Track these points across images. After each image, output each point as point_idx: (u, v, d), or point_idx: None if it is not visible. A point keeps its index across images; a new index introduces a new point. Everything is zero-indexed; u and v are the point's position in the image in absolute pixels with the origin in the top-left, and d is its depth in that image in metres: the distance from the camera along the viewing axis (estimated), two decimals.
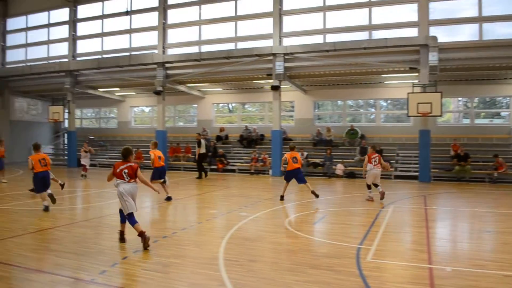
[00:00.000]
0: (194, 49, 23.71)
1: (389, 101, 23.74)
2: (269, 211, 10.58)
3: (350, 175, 19.52)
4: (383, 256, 6.40)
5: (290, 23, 21.79)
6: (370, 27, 20.42)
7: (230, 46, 22.78)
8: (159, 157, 12.07)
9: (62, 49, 27.87)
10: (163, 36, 24.34)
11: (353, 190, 15.20)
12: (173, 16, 24.53)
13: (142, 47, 25.24)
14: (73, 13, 27.50)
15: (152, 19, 24.89)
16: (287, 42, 21.40)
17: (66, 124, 28.03)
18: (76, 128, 27.05)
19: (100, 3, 26.81)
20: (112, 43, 26.54)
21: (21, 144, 27.50)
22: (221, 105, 27.66)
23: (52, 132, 32.51)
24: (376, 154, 12.22)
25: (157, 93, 22.96)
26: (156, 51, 23.96)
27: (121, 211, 7.18)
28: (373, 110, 23.93)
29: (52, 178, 10.99)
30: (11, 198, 12.37)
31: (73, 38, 27.45)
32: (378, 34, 20.07)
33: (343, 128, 22.74)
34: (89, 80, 25.86)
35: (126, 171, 7.05)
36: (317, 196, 11.96)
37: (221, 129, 25.23)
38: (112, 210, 10.92)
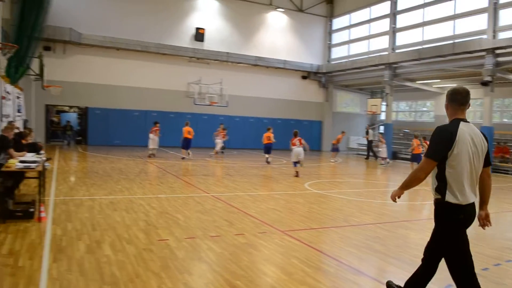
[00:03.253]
0: None
1: None
2: None
3: None
4: None
5: None
6: None
7: None
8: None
9: (382, 42, 28.38)
10: (494, 19, 21.23)
11: None
12: None
13: (468, 33, 22.72)
14: (394, 5, 27.45)
15: (480, 0, 22.10)
16: None
17: (382, 117, 28.64)
18: (391, 120, 27.19)
19: None
20: (433, 32, 25.07)
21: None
22: None
23: (368, 124, 34.09)
24: None
25: (485, 83, 20.25)
26: (484, 36, 21.16)
27: (294, 162, 14.85)
28: None
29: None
30: (331, 185, 13.15)
31: (393, 31, 27.46)
32: None
33: None
34: (408, 72, 25.41)
35: (298, 142, 14.61)
36: None
37: None
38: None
